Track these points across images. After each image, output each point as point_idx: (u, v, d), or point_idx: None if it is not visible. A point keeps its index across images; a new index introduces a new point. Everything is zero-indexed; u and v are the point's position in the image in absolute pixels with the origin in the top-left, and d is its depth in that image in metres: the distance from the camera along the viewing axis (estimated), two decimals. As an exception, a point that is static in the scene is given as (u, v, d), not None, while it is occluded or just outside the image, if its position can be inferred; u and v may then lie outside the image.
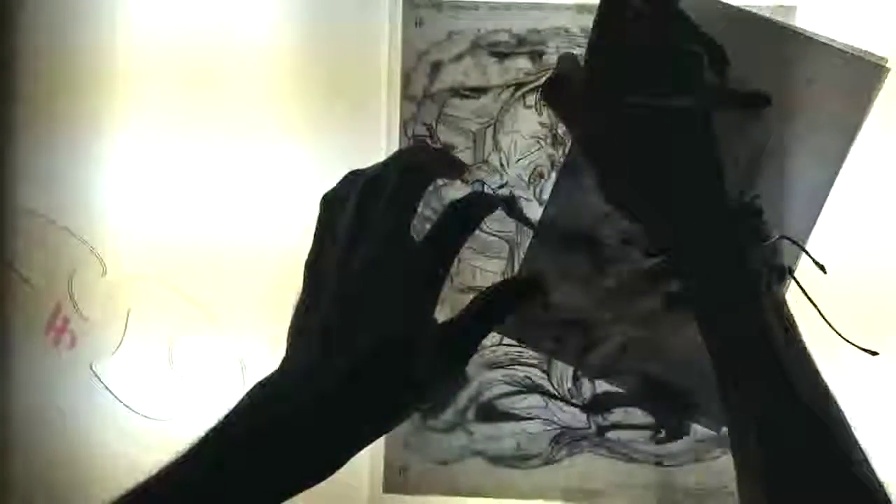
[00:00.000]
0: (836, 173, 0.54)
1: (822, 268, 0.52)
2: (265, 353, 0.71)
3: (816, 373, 0.48)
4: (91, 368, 0.74)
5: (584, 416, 0.71)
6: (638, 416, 0.71)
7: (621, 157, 0.50)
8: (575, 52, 0.70)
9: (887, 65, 0.52)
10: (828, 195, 0.55)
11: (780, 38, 0.54)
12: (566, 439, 0.72)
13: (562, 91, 0.52)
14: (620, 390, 0.70)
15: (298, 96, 0.73)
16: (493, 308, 0.47)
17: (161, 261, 0.73)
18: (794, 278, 0.51)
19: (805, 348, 0.49)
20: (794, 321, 0.49)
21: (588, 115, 0.50)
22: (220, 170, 0.73)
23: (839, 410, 0.47)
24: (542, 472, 0.72)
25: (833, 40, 0.53)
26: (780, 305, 0.49)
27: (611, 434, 0.71)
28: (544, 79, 0.55)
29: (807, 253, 0.52)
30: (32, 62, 0.74)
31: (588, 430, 0.72)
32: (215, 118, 0.73)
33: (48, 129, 0.74)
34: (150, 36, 0.73)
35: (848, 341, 0.51)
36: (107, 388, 0.74)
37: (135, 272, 0.73)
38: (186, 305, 0.73)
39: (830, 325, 0.51)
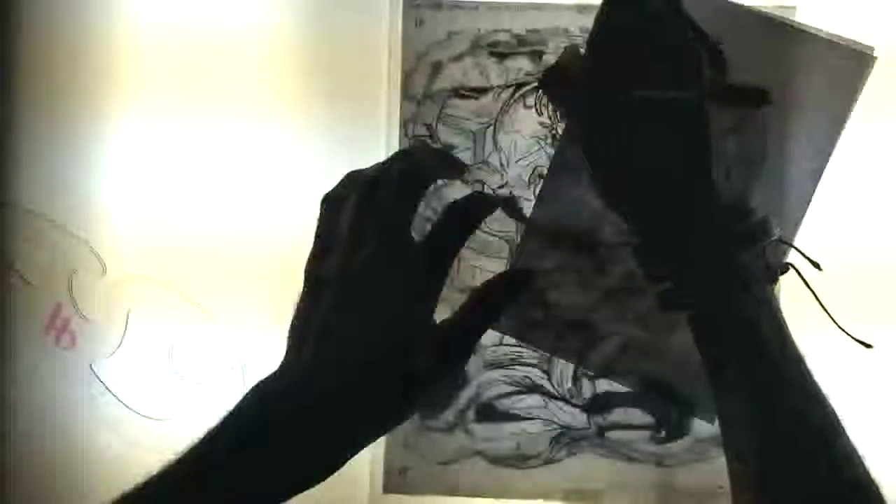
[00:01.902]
0: (826, 162, 0.55)
1: (816, 265, 0.52)
2: (265, 354, 0.71)
3: (808, 372, 0.48)
4: (91, 368, 0.74)
5: (583, 416, 0.71)
6: (638, 416, 0.71)
7: (614, 151, 0.50)
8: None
9: (874, 54, 0.53)
10: (817, 184, 0.55)
11: (766, 28, 0.54)
12: (566, 439, 0.72)
13: (561, 81, 0.52)
14: (620, 390, 0.70)
15: (299, 96, 0.73)
16: (487, 305, 0.47)
17: (161, 261, 0.73)
18: (795, 267, 0.51)
19: (797, 349, 0.49)
20: (785, 322, 0.49)
21: (584, 107, 0.50)
22: (220, 170, 0.73)
23: (832, 411, 0.48)
24: (542, 472, 0.72)
25: (820, 30, 0.53)
26: (773, 305, 0.49)
27: (611, 434, 0.71)
28: (545, 69, 0.55)
29: (802, 253, 0.52)
30: (32, 62, 0.74)
31: (588, 430, 0.72)
32: (216, 117, 0.73)
33: (48, 130, 0.74)
34: (151, 37, 0.73)
35: (845, 332, 0.51)
36: (107, 388, 0.74)
37: (135, 272, 0.73)
38: (186, 305, 0.73)
39: (829, 314, 0.51)
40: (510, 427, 0.72)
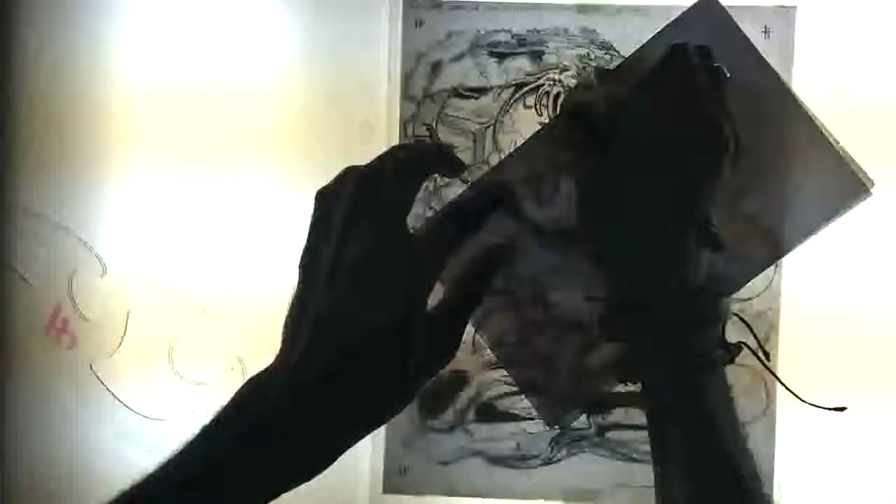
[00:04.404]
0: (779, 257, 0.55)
1: (766, 354, 0.53)
2: (265, 354, 0.71)
3: (749, 453, 0.50)
4: (91, 368, 0.74)
5: (583, 416, 0.71)
6: (638, 416, 0.71)
7: (615, 209, 0.51)
8: (574, 52, 0.70)
9: (871, 189, 0.52)
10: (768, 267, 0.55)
11: (791, 112, 0.53)
12: (566, 439, 0.72)
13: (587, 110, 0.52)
14: (621, 390, 0.70)
15: (298, 97, 0.73)
16: (471, 287, 0.47)
17: (161, 261, 0.73)
18: (749, 347, 0.51)
19: (740, 431, 0.50)
20: (734, 402, 0.50)
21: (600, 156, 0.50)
22: (219, 168, 0.73)
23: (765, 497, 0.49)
24: (542, 473, 0.72)
25: (838, 142, 0.53)
26: (725, 384, 0.50)
27: (611, 434, 0.71)
28: (574, 92, 0.55)
29: (756, 338, 0.53)
30: (34, 66, 0.74)
31: (588, 431, 0.72)
32: (214, 119, 0.73)
33: (49, 130, 0.74)
34: (150, 44, 0.73)
35: (814, 405, 0.52)
36: (106, 388, 0.74)
37: (135, 272, 0.74)
38: (186, 305, 0.73)
39: (790, 390, 0.53)
40: (510, 427, 0.72)
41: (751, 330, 0.53)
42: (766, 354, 0.53)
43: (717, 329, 0.50)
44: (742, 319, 0.53)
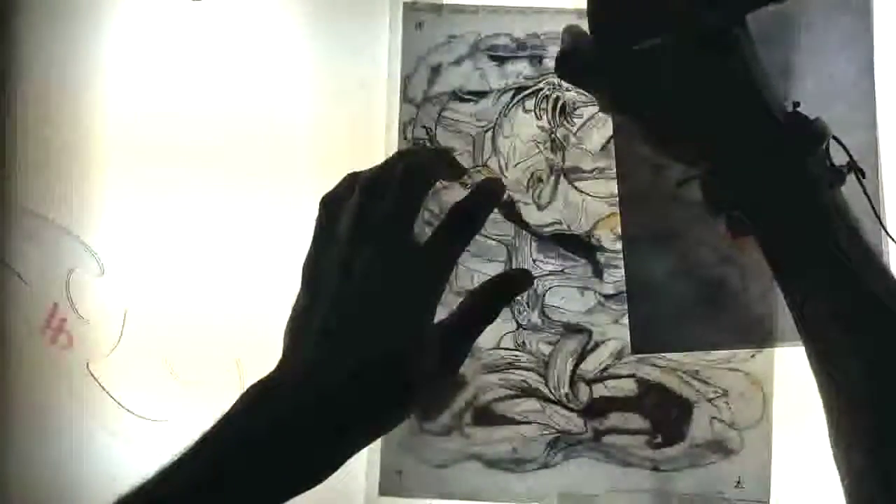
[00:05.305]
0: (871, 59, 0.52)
1: (862, 172, 0.49)
2: (262, 355, 0.71)
3: (885, 269, 0.47)
4: (87, 368, 0.74)
5: (580, 421, 0.71)
6: (635, 420, 0.71)
7: (654, 102, 0.49)
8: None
9: None
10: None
11: None
12: (562, 444, 0.72)
13: (574, 62, 0.51)
14: (617, 394, 0.70)
15: (297, 99, 0.73)
16: (485, 306, 0.47)
17: (158, 261, 0.73)
18: (854, 166, 0.48)
19: (870, 247, 0.47)
20: (857, 221, 0.48)
21: (609, 69, 0.49)
22: (216, 169, 0.73)
23: None
24: (538, 476, 0.72)
25: None
26: (842, 207, 0.48)
27: (607, 439, 0.71)
28: (556, 55, 0.54)
29: (850, 157, 0.49)
30: (32, 65, 0.74)
31: (584, 435, 0.71)
32: (213, 121, 0.73)
33: (46, 129, 0.74)
34: (150, 45, 0.73)
35: None
36: (103, 388, 0.74)
37: (132, 272, 0.73)
38: (184, 306, 0.73)
39: (885, 229, 0.50)
40: (506, 431, 0.72)
41: (847, 153, 0.50)
42: (863, 174, 0.50)
43: (819, 150, 0.47)
44: (838, 141, 0.49)
